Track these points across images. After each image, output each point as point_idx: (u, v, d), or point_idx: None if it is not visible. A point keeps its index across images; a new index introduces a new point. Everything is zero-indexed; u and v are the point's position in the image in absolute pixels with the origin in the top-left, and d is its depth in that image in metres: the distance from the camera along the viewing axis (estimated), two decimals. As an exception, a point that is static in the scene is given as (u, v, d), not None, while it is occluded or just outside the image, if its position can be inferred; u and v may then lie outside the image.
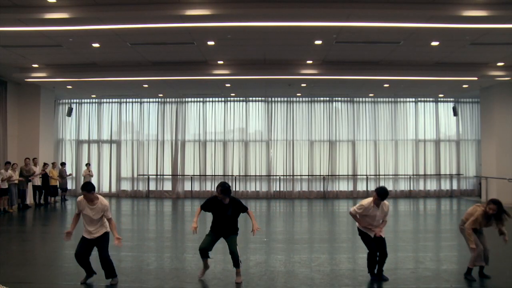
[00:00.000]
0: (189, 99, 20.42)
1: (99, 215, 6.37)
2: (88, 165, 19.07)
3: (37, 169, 16.20)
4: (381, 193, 6.52)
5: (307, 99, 20.27)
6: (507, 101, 17.03)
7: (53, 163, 17.39)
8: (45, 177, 16.66)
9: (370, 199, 6.66)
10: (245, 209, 6.82)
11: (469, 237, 6.71)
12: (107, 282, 6.43)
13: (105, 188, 20.47)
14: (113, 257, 8.03)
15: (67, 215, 15.15)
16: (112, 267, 6.49)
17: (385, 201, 6.69)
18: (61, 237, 10.83)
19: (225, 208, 6.68)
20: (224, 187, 6.58)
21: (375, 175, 20.01)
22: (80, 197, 6.40)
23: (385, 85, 16.68)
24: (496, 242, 10.05)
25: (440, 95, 19.70)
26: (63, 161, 19.18)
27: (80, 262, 6.42)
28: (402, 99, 20.35)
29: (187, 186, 20.13)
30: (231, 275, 6.93)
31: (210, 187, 20.12)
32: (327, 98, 20.24)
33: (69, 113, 20.12)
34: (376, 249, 6.64)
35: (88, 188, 6.32)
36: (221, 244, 9.65)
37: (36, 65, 14.42)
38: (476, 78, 14.92)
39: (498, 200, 6.83)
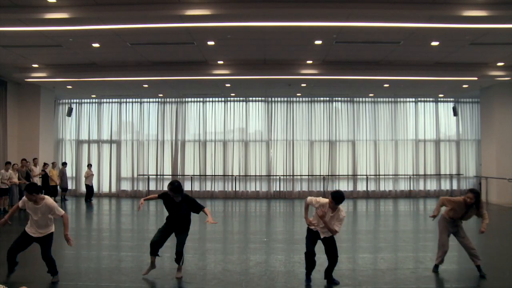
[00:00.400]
0: (189, 99, 20.42)
1: (45, 216, 6.41)
2: (90, 166, 19.08)
3: (37, 169, 16.20)
4: (335, 197, 6.25)
5: (307, 99, 20.27)
6: (507, 101, 17.04)
7: (53, 163, 17.40)
8: (45, 177, 16.66)
9: (327, 200, 6.43)
10: (200, 209, 6.82)
11: (438, 204, 7.14)
12: (104, 282, 6.43)
13: (105, 188, 20.48)
14: (113, 257, 8.05)
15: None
16: (55, 265, 6.61)
17: (342, 209, 6.41)
18: (61, 237, 10.83)
19: (177, 206, 6.72)
20: (173, 186, 6.58)
21: (375, 175, 20.01)
22: (24, 198, 6.40)
23: (385, 85, 16.69)
24: (496, 241, 10.06)
25: (440, 95, 19.70)
26: (64, 161, 19.18)
27: (10, 257, 6.54)
28: (402, 99, 20.35)
29: (187, 186, 20.07)
30: (230, 275, 6.94)
31: (210, 187, 20.13)
32: (327, 98, 20.24)
33: (69, 113, 20.13)
34: (312, 250, 6.46)
35: (30, 189, 6.25)
36: (220, 245, 9.68)
37: (36, 65, 14.43)
38: (476, 78, 14.93)
39: (477, 190, 6.95)
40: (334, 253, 6.40)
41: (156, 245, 6.78)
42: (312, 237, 6.55)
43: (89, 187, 18.44)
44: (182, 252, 6.74)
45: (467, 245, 6.97)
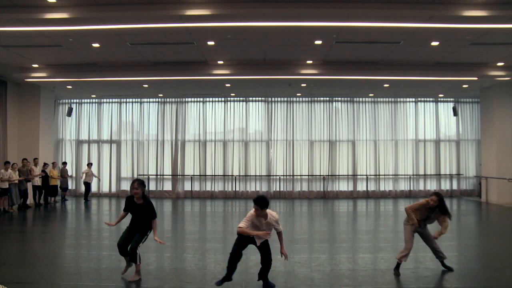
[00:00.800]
0: (189, 99, 20.42)
1: None
2: (90, 164, 19.10)
3: (37, 169, 16.21)
4: (260, 203, 5.93)
5: (307, 99, 20.27)
6: (507, 101, 17.03)
7: (53, 163, 17.40)
8: (45, 177, 16.66)
9: (252, 212, 6.07)
10: (152, 217, 6.85)
11: (409, 215, 7.00)
12: (104, 282, 6.42)
13: (105, 188, 20.48)
14: (113, 257, 8.04)
15: (67, 215, 15.16)
16: None
17: (272, 212, 6.12)
18: (61, 237, 10.85)
19: (139, 208, 6.82)
20: (140, 180, 6.87)
21: (375, 175, 20.01)
22: None
23: (385, 85, 16.68)
24: (496, 241, 10.06)
25: (440, 95, 19.70)
26: (64, 161, 19.19)
27: None
28: (402, 99, 20.35)
29: (187, 186, 20.13)
30: (231, 275, 6.93)
31: (210, 187, 20.12)
32: (327, 98, 20.24)
33: (69, 113, 20.12)
34: (239, 252, 6.14)
35: None
36: (220, 244, 9.68)
37: (36, 65, 14.43)
38: (476, 78, 14.92)
39: (441, 194, 7.02)
40: (269, 258, 6.22)
41: (122, 249, 6.88)
42: (244, 241, 6.21)
43: (88, 185, 18.47)
44: (136, 250, 6.74)
45: (430, 244, 7.07)
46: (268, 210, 6.08)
